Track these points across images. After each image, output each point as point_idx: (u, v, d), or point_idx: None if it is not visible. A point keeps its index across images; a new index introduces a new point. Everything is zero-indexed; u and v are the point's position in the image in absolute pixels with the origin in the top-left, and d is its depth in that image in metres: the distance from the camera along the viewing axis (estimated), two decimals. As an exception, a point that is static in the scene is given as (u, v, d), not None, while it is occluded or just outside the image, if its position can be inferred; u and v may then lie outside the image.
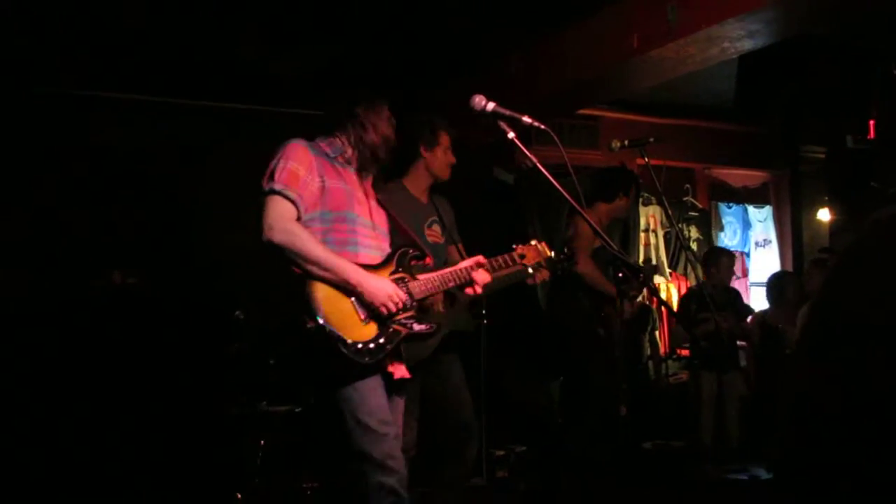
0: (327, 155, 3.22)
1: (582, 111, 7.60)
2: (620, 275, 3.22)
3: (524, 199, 7.63)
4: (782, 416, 1.61)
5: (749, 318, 6.99)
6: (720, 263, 6.81)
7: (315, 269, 2.92)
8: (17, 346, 5.48)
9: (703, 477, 6.12)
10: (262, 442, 5.59)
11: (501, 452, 6.76)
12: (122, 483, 5.30)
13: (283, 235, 2.93)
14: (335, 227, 3.11)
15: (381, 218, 3.36)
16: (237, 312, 5.92)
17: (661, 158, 7.73)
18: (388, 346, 3.00)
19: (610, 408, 4.94)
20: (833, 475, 1.42)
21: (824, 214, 9.23)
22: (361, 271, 2.99)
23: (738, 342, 7.01)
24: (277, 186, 3.00)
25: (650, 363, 7.88)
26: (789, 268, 9.34)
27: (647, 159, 4.69)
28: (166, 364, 5.80)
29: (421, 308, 3.19)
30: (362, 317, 2.98)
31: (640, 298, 6.17)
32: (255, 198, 3.06)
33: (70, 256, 5.97)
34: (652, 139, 4.69)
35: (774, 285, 7.17)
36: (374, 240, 3.22)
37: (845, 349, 1.42)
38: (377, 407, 2.98)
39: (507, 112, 3.03)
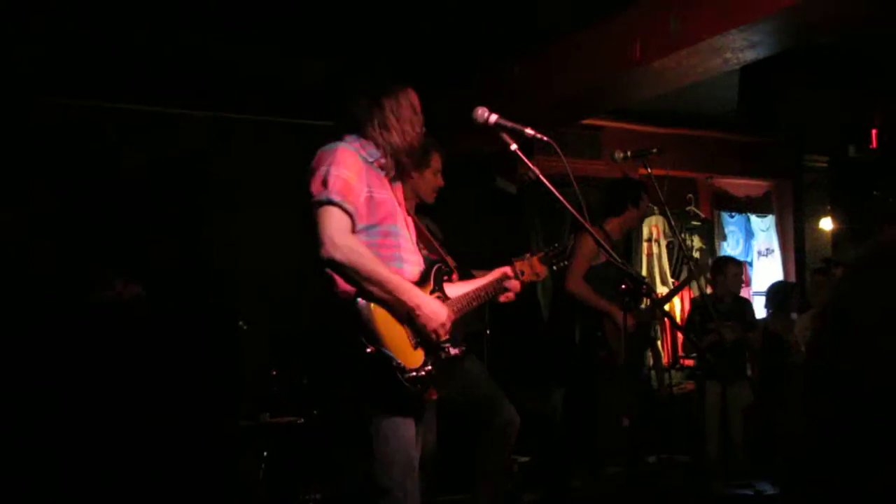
0: (368, 161, 3.03)
1: (584, 121, 7.61)
2: (623, 287, 3.20)
3: (527, 209, 7.63)
4: (786, 430, 1.60)
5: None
6: (727, 272, 6.80)
7: (376, 291, 2.77)
8: (21, 358, 5.47)
9: (708, 492, 6.09)
10: (265, 453, 5.59)
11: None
12: (125, 495, 5.28)
13: (347, 253, 2.75)
14: (382, 242, 2.95)
15: (412, 228, 3.21)
16: (241, 323, 5.92)
17: (664, 168, 7.73)
18: (434, 373, 2.87)
19: (614, 420, 4.93)
20: (839, 491, 1.41)
21: (827, 223, 9.23)
22: (420, 293, 2.87)
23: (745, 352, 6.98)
24: (335, 197, 2.81)
25: (653, 373, 7.86)
26: (792, 277, 9.33)
27: (649, 169, 4.70)
28: (168, 375, 5.78)
29: (453, 329, 3.05)
30: (413, 342, 2.86)
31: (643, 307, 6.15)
32: (306, 206, 2.88)
33: (72, 267, 5.97)
34: (655, 149, 4.69)
35: (776, 294, 7.16)
36: (413, 254, 3.09)
37: (853, 366, 1.41)
38: (407, 442, 2.86)
39: (510, 124, 3.02)
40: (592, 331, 5.44)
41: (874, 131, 7.99)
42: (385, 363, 2.75)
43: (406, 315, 2.84)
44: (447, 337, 2.91)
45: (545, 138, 3.08)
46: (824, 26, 4.81)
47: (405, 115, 3.07)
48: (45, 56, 5.89)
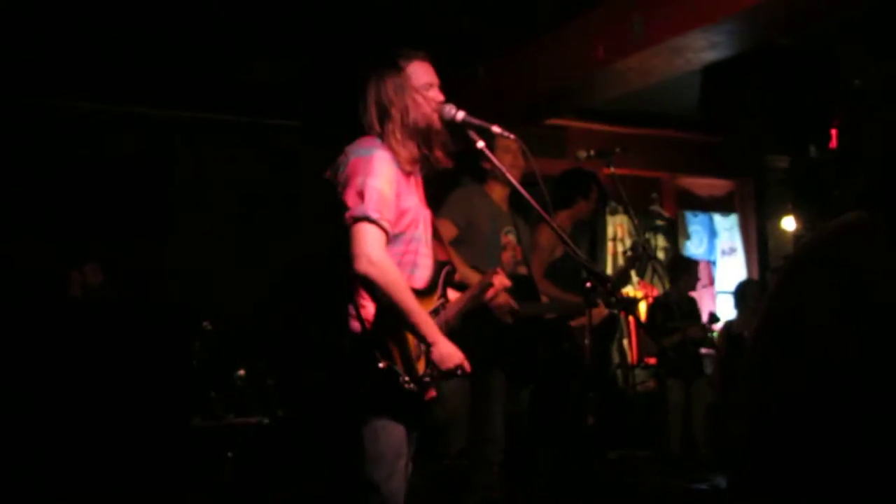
0: (397, 163, 2.90)
1: (549, 121, 7.65)
2: (588, 284, 3.21)
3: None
4: (732, 422, 1.63)
5: (713, 326, 7.05)
6: (686, 272, 6.87)
7: (398, 316, 2.75)
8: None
9: (664, 487, 6.15)
10: (230, 454, 5.57)
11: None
12: (89, 496, 5.24)
13: (382, 275, 2.70)
14: (404, 250, 2.90)
15: (428, 223, 3.10)
16: (205, 323, 5.90)
17: (628, 168, 7.79)
18: (430, 379, 2.86)
19: (578, 418, 4.96)
20: (785, 481, 1.44)
21: (789, 223, 9.34)
22: (438, 331, 2.82)
23: (703, 350, 7.07)
24: (373, 214, 2.73)
25: (618, 372, 7.92)
26: (755, 276, 9.44)
27: (612, 169, 4.74)
28: (133, 376, 5.75)
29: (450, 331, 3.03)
30: (417, 353, 2.85)
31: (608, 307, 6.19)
32: (341, 215, 2.78)
33: (37, 262, 5.92)
34: (618, 149, 4.73)
35: (737, 293, 7.27)
36: (427, 258, 3.03)
37: (797, 351, 1.44)
38: (397, 443, 2.86)
39: (477, 121, 3.00)
40: (556, 324, 5.46)
41: (834, 131, 8.09)
42: (393, 378, 2.76)
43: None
44: (461, 373, 2.87)
45: (512, 136, 3.09)
46: (784, 27, 4.90)
47: (409, 102, 2.93)
48: (6, 57, 5.83)
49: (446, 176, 3.16)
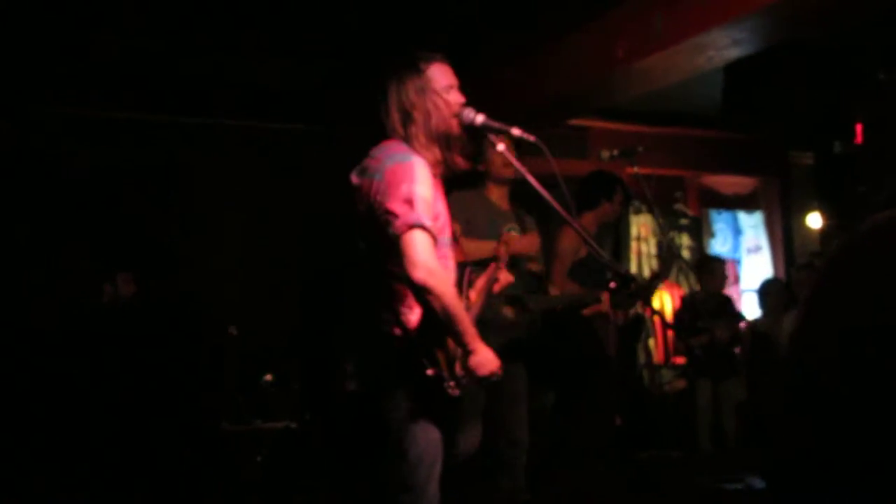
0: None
1: (571, 121, 7.62)
2: (613, 285, 3.20)
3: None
4: (771, 422, 1.62)
5: (741, 324, 7.00)
6: (713, 270, 6.83)
7: (447, 323, 2.75)
8: (12, 363, 5.47)
9: (697, 487, 6.11)
10: (259, 458, 5.60)
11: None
12: (118, 498, 5.28)
13: (439, 285, 2.72)
14: (439, 255, 2.87)
15: (448, 226, 3.10)
16: (231, 328, 5.93)
17: (651, 167, 7.76)
18: (466, 383, 2.88)
19: (605, 417, 4.94)
20: (825, 480, 1.43)
21: (814, 219, 9.27)
22: (479, 337, 2.82)
23: (735, 349, 7.01)
24: (427, 222, 2.74)
25: (645, 372, 7.89)
26: (781, 273, 9.37)
27: (636, 168, 4.71)
28: (160, 381, 5.78)
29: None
30: (455, 356, 2.86)
31: (633, 309, 6.16)
32: (387, 223, 2.76)
33: (63, 273, 5.97)
34: (641, 148, 4.71)
35: (762, 292, 7.22)
36: (451, 259, 3.03)
37: (837, 350, 1.43)
38: (435, 444, 2.87)
39: (497, 124, 3.00)
40: (575, 321, 5.44)
41: (859, 126, 8.02)
42: (438, 383, 2.78)
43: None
44: (495, 378, 2.88)
45: (532, 139, 3.08)
46: (807, 22, 4.84)
47: (431, 106, 2.93)
48: (15, 66, 5.88)
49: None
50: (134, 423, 5.48)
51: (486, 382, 2.86)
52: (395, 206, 2.74)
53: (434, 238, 2.77)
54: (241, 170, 6.95)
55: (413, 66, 2.98)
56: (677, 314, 7.14)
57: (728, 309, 6.91)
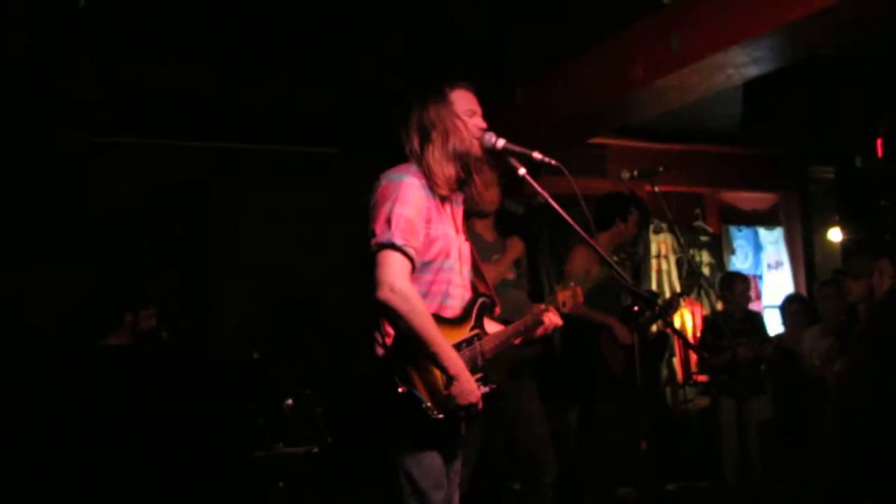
0: (430, 190, 2.91)
1: (589, 140, 7.61)
2: (636, 308, 3.18)
3: (535, 230, 7.63)
4: (827, 471, 1.61)
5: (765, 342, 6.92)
6: (734, 288, 6.78)
7: (418, 345, 2.74)
8: (42, 391, 5.50)
9: None
10: (281, 483, 5.58)
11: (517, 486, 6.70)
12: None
13: (404, 304, 2.71)
14: (434, 279, 2.91)
15: (466, 255, 3.10)
16: (254, 354, 5.94)
17: (671, 184, 7.73)
18: (462, 414, 2.83)
19: (627, 443, 4.88)
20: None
21: (835, 234, 9.19)
22: (461, 364, 2.80)
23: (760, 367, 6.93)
24: (398, 241, 2.74)
25: (668, 390, 7.84)
26: (802, 289, 9.30)
27: (655, 187, 4.68)
28: (183, 406, 5.78)
29: (487, 366, 3.01)
30: (443, 382, 2.81)
31: (654, 327, 6.11)
32: (367, 242, 2.81)
33: (89, 300, 5.99)
34: (661, 168, 4.67)
35: (784, 308, 7.17)
36: (460, 288, 3.01)
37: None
38: (433, 468, 2.85)
39: (518, 149, 3.00)
40: (588, 345, 5.42)
41: (879, 140, 7.97)
42: (414, 404, 2.75)
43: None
44: (478, 409, 2.84)
45: (553, 162, 3.08)
46: (826, 39, 4.82)
47: (450, 126, 2.94)
48: (44, 94, 5.93)
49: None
50: (159, 450, 5.47)
51: (466, 413, 2.81)
52: (376, 225, 2.79)
53: (409, 258, 2.77)
54: (267, 195, 6.98)
55: (436, 90, 3.01)
56: (701, 334, 7.08)
57: (752, 326, 6.84)
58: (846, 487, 1.41)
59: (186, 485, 5.49)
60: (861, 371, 1.47)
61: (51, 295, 6.09)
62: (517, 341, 3.21)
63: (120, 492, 5.24)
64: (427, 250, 2.88)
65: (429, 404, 2.75)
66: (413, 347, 2.76)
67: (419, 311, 2.73)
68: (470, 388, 2.78)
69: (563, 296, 3.39)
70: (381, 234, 2.77)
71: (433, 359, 2.75)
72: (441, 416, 2.76)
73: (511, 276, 4.68)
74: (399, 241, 2.75)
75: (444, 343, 2.77)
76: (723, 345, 6.34)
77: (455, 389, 2.75)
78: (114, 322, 5.57)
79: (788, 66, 5.23)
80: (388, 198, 2.82)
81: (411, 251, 2.77)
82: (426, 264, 2.89)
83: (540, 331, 3.27)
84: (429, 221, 2.88)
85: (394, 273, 2.73)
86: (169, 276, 6.52)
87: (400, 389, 2.74)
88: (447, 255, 2.94)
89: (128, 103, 6.21)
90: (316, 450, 5.72)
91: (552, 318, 3.25)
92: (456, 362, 2.77)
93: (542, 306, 3.31)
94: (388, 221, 2.77)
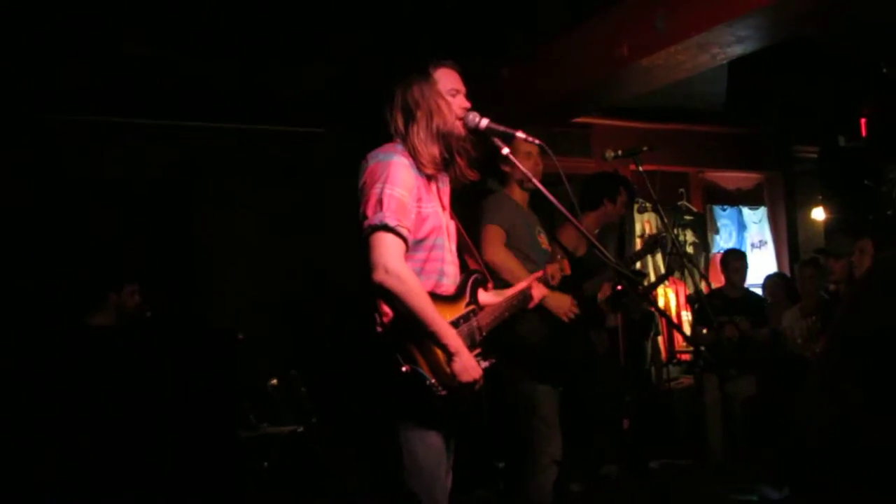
0: (418, 170, 2.93)
1: (574, 119, 7.61)
2: (620, 287, 3.18)
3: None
4: (799, 439, 1.62)
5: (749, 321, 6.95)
6: (729, 266, 6.83)
7: (416, 324, 2.74)
8: (27, 374, 5.47)
9: (711, 498, 6.03)
10: (266, 463, 5.59)
11: (503, 464, 6.72)
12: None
13: (400, 284, 2.71)
14: (428, 257, 2.92)
15: (453, 233, 3.11)
16: (238, 334, 5.92)
17: (655, 164, 7.75)
18: (465, 391, 2.83)
19: (608, 422, 4.84)
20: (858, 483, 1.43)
21: (819, 214, 9.25)
22: (460, 341, 2.80)
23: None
24: (391, 222, 2.74)
25: (652, 369, 7.88)
26: (786, 268, 9.36)
27: (639, 166, 4.68)
28: (168, 386, 5.77)
29: (485, 341, 3.03)
30: (444, 358, 2.81)
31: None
32: (360, 224, 2.80)
33: (73, 279, 5.96)
34: (646, 148, 4.67)
35: (766, 287, 7.22)
36: (452, 265, 3.03)
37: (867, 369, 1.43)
38: (436, 451, 2.86)
39: (501, 128, 3.00)
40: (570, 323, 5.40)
41: (863, 120, 8.01)
42: (419, 382, 2.76)
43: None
44: (478, 387, 2.85)
45: (537, 142, 3.09)
46: (810, 19, 4.82)
47: (434, 106, 2.94)
48: (36, 74, 5.88)
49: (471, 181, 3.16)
50: (145, 429, 5.46)
51: (468, 391, 2.82)
52: (367, 207, 2.79)
53: (403, 239, 2.77)
54: (253, 175, 6.94)
55: (420, 70, 3.00)
56: (694, 311, 7.10)
57: (748, 305, 6.82)
58: (820, 468, 1.42)
59: (171, 465, 5.49)
60: (838, 349, 1.48)
61: (33, 277, 6.05)
62: (507, 315, 3.21)
63: (105, 472, 5.24)
64: (419, 228, 2.88)
65: (433, 381, 2.76)
66: (412, 327, 2.76)
67: (415, 291, 2.73)
68: (471, 364, 2.80)
69: (552, 269, 3.42)
70: (372, 216, 2.76)
71: (432, 337, 2.76)
72: (444, 392, 2.78)
73: (548, 247, 4.66)
74: (392, 222, 2.74)
75: (442, 321, 2.78)
76: (711, 322, 6.35)
77: (456, 366, 2.76)
78: (97, 302, 5.54)
79: (773, 46, 5.23)
80: (378, 179, 2.81)
81: (404, 231, 2.77)
82: (419, 242, 2.89)
83: (531, 304, 3.30)
84: (419, 200, 2.88)
85: (388, 254, 2.73)
86: (154, 258, 6.49)
87: (404, 368, 2.74)
88: (439, 233, 2.95)
89: (111, 85, 6.15)
90: (301, 430, 5.73)
91: (541, 291, 3.28)
92: (455, 339, 2.78)
93: (532, 281, 3.34)
94: (380, 202, 2.76)
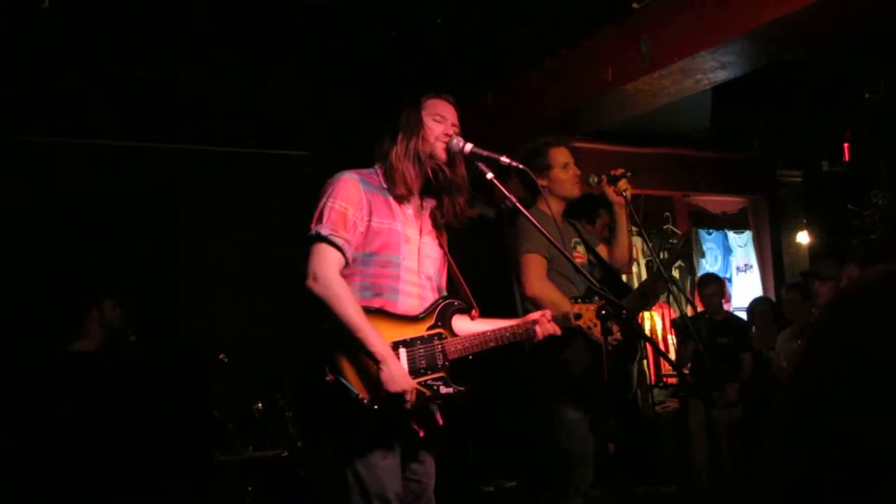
0: (381, 188, 3.00)
1: (559, 143, 7.63)
2: (603, 312, 3.16)
3: (505, 232, 7.63)
4: (772, 457, 1.61)
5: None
6: (706, 289, 6.83)
7: (345, 332, 2.76)
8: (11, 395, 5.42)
9: None
10: (250, 488, 5.55)
11: (490, 488, 6.70)
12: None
13: (325, 290, 2.79)
14: (378, 272, 2.93)
15: (431, 259, 3.10)
16: (221, 356, 5.89)
17: (640, 187, 7.77)
18: (406, 409, 2.79)
19: (588, 446, 4.71)
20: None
21: (803, 237, 9.30)
22: (389, 350, 2.78)
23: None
24: (325, 231, 2.85)
25: (638, 392, 7.87)
26: (771, 292, 9.39)
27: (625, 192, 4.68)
28: (151, 408, 5.73)
29: (453, 367, 2.95)
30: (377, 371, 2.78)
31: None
32: (303, 239, 2.92)
33: (54, 299, 5.91)
34: (630, 172, 4.67)
35: (751, 311, 7.23)
36: (416, 286, 2.99)
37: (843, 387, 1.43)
38: (382, 468, 2.81)
39: (485, 153, 3.02)
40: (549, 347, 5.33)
41: (846, 145, 8.08)
42: (343, 393, 2.74)
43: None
44: (411, 402, 2.79)
45: (520, 166, 3.10)
46: (792, 45, 4.87)
47: (414, 128, 3.01)
48: (12, 94, 5.86)
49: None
50: (126, 453, 5.41)
51: (398, 403, 2.76)
52: (312, 222, 2.91)
53: (338, 248, 2.84)
54: (239, 197, 6.92)
55: (412, 99, 3.09)
56: (679, 336, 7.09)
57: (731, 329, 6.81)
58: (796, 487, 1.43)
59: (155, 490, 5.45)
60: (804, 375, 1.49)
61: (14, 297, 6.00)
62: (494, 345, 3.06)
63: (89, 497, 5.20)
64: (370, 242, 2.93)
65: (359, 394, 2.74)
66: (342, 336, 2.78)
67: (340, 297, 2.78)
68: (398, 374, 2.76)
69: (580, 310, 3.19)
70: (312, 227, 2.89)
71: (360, 345, 2.76)
72: (377, 407, 2.74)
73: (583, 258, 4.51)
74: (325, 231, 2.85)
75: (371, 330, 2.78)
76: (695, 347, 6.33)
77: (383, 375, 2.74)
78: (78, 324, 5.49)
79: (756, 71, 5.28)
80: (324, 195, 2.95)
81: (339, 241, 2.85)
82: (369, 256, 2.93)
83: (536, 340, 3.12)
84: (371, 214, 2.94)
85: (318, 262, 2.83)
86: (138, 279, 6.45)
87: (328, 378, 2.75)
88: (394, 250, 2.95)
89: (95, 103, 6.15)
90: (286, 454, 5.69)
91: (546, 328, 3.10)
92: (384, 348, 2.77)
93: (537, 316, 3.13)
94: (321, 215, 2.90)
